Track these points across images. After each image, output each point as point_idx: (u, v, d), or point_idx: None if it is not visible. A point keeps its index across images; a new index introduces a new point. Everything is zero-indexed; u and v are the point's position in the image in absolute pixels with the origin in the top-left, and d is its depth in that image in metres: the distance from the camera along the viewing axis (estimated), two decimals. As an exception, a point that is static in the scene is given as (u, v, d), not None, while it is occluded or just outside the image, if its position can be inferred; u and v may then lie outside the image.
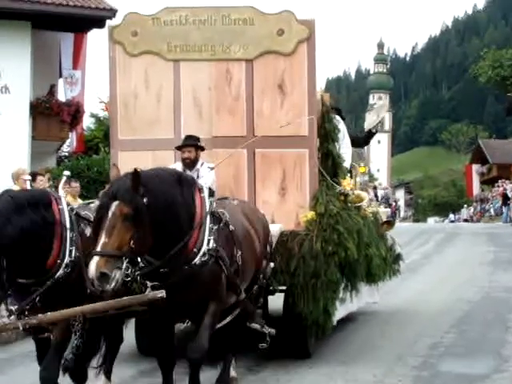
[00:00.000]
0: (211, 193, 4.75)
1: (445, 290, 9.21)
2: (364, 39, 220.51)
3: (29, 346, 4.80)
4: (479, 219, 23.31)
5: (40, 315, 3.63)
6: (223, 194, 5.56)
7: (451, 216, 27.03)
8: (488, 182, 26.69)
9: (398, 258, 7.24)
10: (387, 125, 44.71)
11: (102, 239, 3.44)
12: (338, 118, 6.87)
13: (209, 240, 3.93)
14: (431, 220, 26.18)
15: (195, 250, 3.87)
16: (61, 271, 3.71)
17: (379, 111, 9.58)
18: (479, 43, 41.99)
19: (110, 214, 3.50)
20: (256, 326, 5.18)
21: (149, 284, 3.83)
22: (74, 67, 15.08)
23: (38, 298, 3.64)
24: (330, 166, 5.98)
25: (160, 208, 3.66)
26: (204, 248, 3.90)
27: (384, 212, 7.99)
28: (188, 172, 5.44)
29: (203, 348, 3.94)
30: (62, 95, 15.44)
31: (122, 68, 5.92)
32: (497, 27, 64.48)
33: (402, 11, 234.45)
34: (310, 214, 5.62)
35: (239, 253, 4.31)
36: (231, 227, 4.28)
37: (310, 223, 5.57)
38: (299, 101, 5.75)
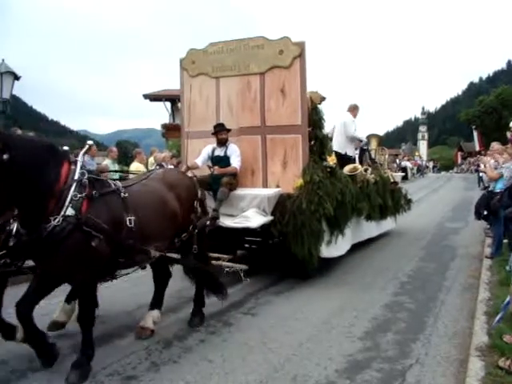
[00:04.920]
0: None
1: (448, 198, 21.00)
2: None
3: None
4: (460, 172, 51.87)
5: None
6: (245, 166, 7.14)
7: (450, 171, 57.26)
8: (464, 158, 62.39)
9: (409, 201, 10.43)
10: (426, 136, 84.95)
11: None
12: (352, 118, 9.23)
13: (67, 207, 3.47)
14: (443, 172, 54.80)
15: (51, 217, 3.43)
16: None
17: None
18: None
19: None
20: (227, 266, 6.19)
21: None
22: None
23: None
24: (318, 146, 7.11)
25: (19, 167, 3.21)
26: (61, 215, 3.44)
27: (396, 175, 10.93)
28: (219, 148, 7.13)
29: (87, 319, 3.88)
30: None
31: (187, 85, 7.85)
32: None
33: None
34: (299, 182, 6.80)
35: (131, 217, 3.94)
36: (123, 194, 3.98)
37: (300, 188, 6.77)
38: (295, 99, 6.93)
